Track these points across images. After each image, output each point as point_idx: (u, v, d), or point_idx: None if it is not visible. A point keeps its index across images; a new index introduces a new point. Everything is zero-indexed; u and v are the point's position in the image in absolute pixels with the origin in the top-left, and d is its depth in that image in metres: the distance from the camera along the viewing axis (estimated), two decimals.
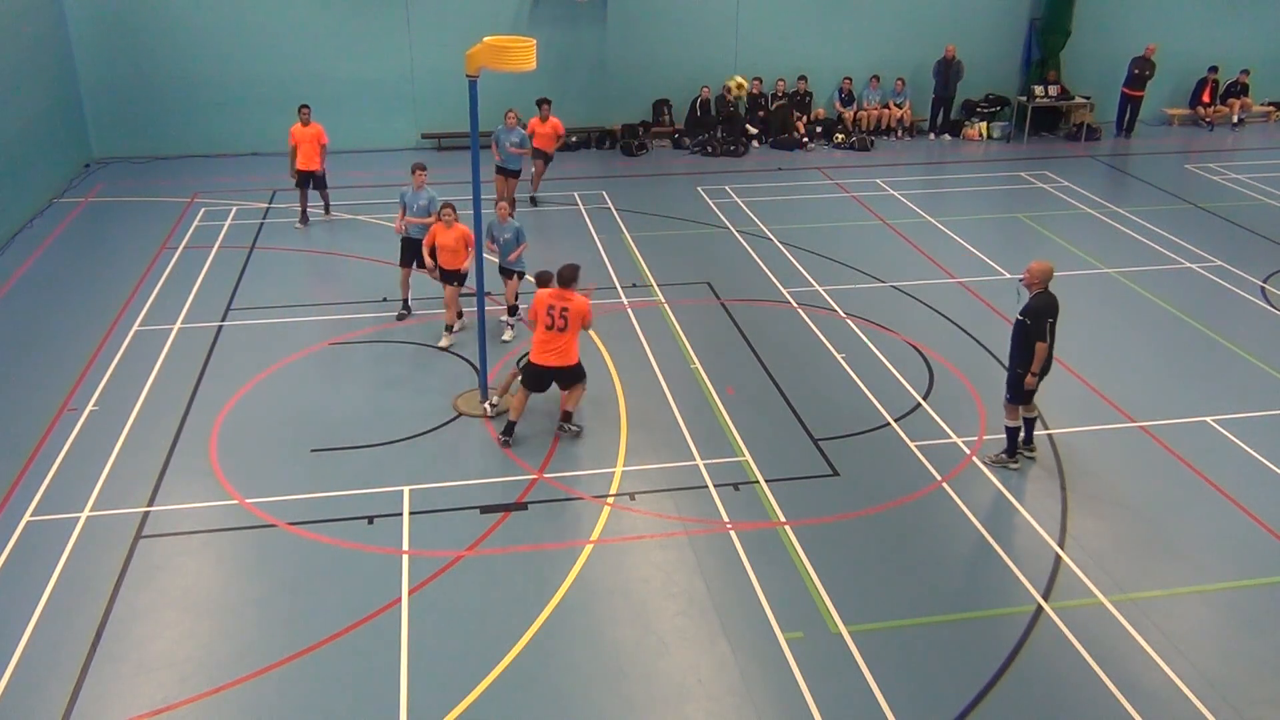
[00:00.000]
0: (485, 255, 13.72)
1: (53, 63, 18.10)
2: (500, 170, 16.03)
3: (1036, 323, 9.33)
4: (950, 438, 10.35)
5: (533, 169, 17.10)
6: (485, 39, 9.10)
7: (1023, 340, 9.45)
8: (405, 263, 12.86)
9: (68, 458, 9.91)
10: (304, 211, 16.31)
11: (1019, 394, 9.59)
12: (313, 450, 10.06)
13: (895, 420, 10.67)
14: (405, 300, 12.96)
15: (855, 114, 21.84)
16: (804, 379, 11.50)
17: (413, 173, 12.86)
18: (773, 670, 7.38)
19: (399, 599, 8.03)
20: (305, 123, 15.67)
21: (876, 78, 21.96)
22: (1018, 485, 9.61)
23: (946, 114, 22.15)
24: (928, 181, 19.75)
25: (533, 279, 10.89)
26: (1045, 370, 9.57)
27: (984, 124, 22.27)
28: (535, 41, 9.21)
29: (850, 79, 21.85)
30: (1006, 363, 9.79)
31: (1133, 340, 12.64)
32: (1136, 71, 21.92)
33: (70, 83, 18.81)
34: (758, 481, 9.61)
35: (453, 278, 12.14)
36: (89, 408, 10.80)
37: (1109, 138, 22.34)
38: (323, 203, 16.49)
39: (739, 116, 21.14)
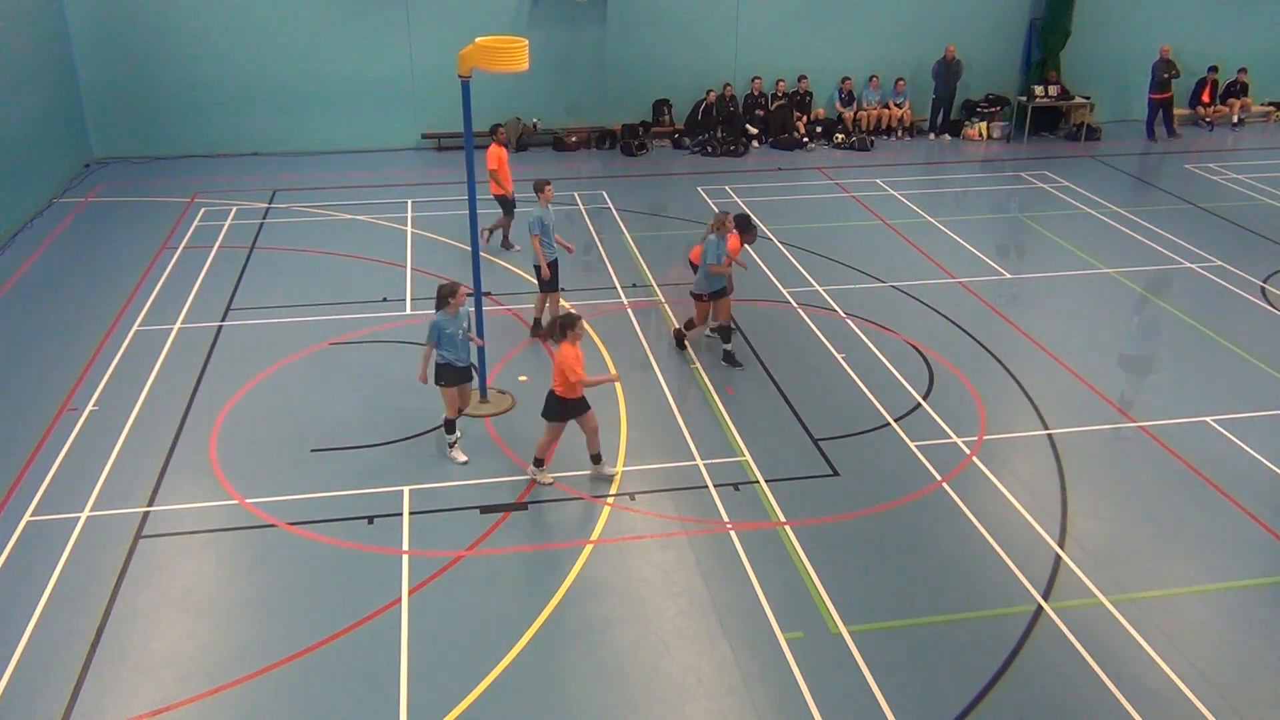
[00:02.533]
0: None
1: (53, 63, 18.10)
2: (712, 296, 11.72)
3: None
4: (950, 438, 10.35)
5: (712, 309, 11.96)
6: (476, 39, 9.11)
7: None
8: (554, 287, 12.09)
9: (68, 458, 9.91)
10: (506, 236, 15.10)
11: None
12: (313, 450, 10.06)
13: (895, 420, 10.67)
14: (539, 319, 12.33)
15: (855, 114, 21.83)
16: (804, 379, 11.50)
17: (542, 190, 12.01)
18: (773, 670, 7.38)
19: (399, 599, 8.03)
20: (502, 143, 14.51)
21: (876, 78, 21.96)
22: (1018, 485, 9.60)
23: (946, 114, 22.15)
24: (928, 181, 19.74)
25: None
26: None
27: (984, 124, 22.25)
28: (527, 42, 9.21)
29: (850, 79, 21.84)
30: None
31: (1132, 340, 12.63)
32: (1166, 75, 21.82)
33: (70, 83, 18.80)
34: (758, 481, 9.61)
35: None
36: (89, 408, 10.80)
37: (1137, 140, 22.16)
38: (503, 231, 15.02)
39: (739, 116, 21.16)
